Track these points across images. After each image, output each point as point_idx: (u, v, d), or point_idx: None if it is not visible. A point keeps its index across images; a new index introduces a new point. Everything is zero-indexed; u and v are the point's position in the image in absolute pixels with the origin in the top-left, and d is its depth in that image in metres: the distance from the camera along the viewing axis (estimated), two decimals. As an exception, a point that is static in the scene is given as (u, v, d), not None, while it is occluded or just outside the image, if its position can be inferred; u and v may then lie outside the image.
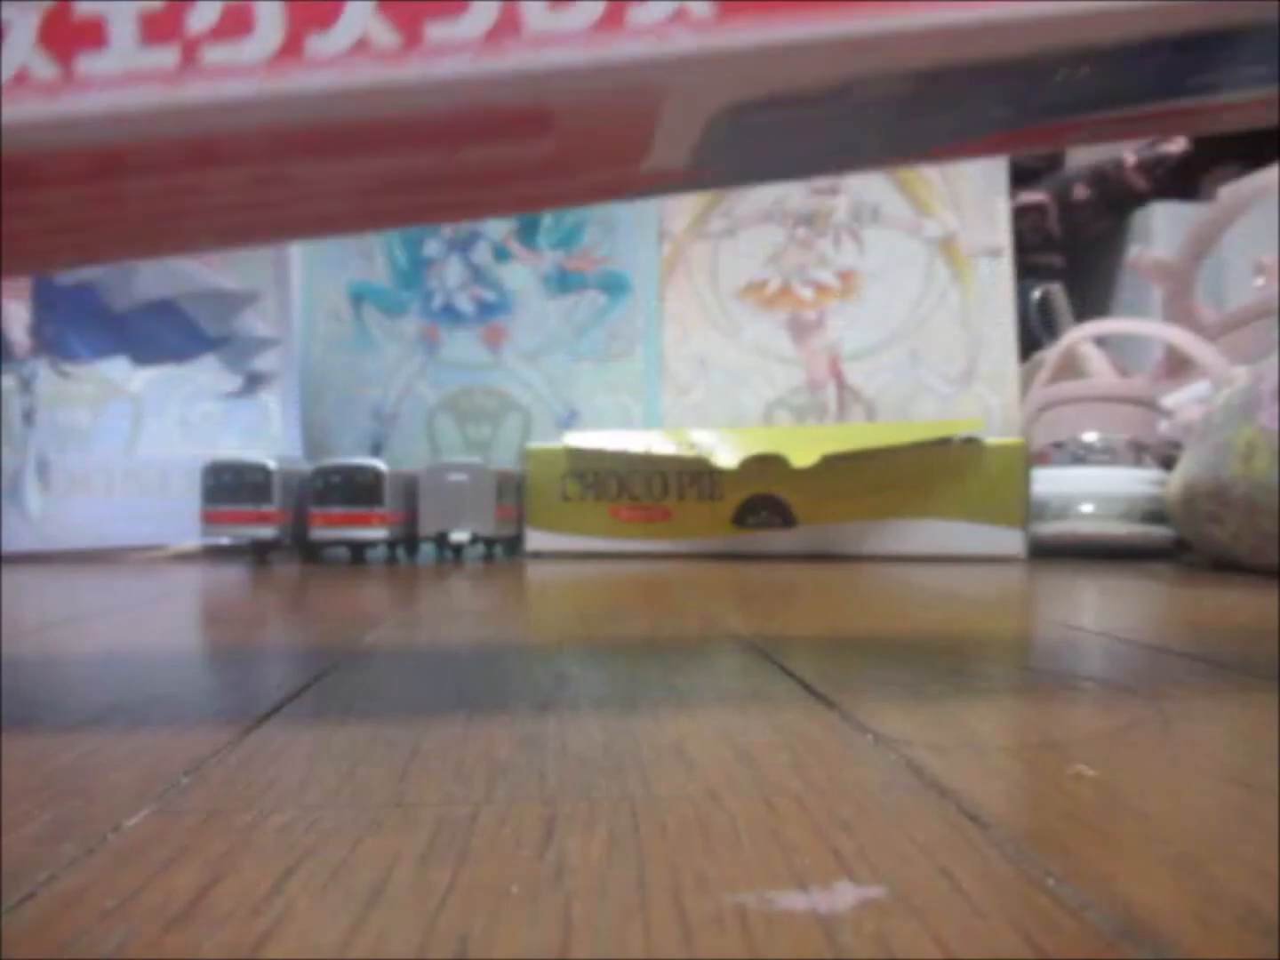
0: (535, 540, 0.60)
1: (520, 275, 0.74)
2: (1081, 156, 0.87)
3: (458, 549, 0.57)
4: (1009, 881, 0.09)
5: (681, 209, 0.74)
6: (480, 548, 0.66)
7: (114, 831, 0.11)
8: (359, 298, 0.73)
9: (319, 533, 0.53)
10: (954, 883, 0.09)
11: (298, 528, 0.55)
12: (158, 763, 0.14)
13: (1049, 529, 0.58)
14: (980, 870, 0.10)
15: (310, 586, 0.40)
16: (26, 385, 0.56)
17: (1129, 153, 0.81)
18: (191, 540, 0.60)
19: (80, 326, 0.59)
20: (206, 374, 0.62)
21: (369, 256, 0.73)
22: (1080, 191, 0.83)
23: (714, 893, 0.09)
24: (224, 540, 0.57)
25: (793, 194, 0.73)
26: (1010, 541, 0.56)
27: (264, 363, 0.63)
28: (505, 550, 0.60)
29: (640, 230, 0.74)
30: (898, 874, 0.10)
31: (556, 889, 0.09)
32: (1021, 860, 0.10)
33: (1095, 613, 0.31)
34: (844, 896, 0.09)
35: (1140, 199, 0.82)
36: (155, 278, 0.61)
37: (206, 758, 0.14)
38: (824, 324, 0.72)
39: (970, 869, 0.10)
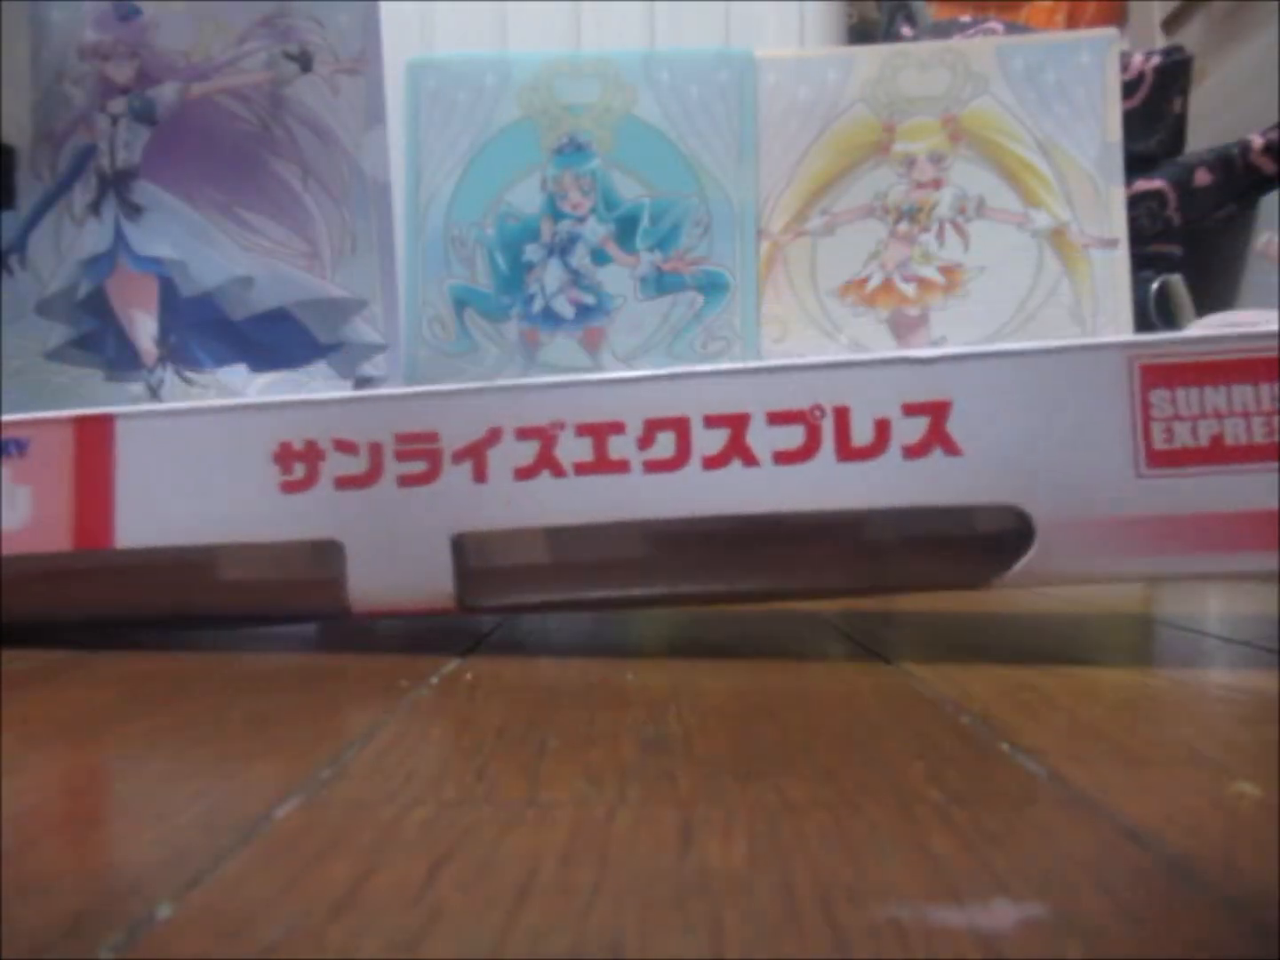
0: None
1: (618, 278, 0.74)
2: (1202, 139, 0.83)
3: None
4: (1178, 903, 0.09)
5: (780, 206, 0.74)
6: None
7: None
8: (462, 303, 0.75)
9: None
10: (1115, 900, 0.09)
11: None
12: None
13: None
14: (1143, 890, 0.09)
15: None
16: (154, 392, 0.59)
17: (1256, 134, 0.77)
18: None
19: (202, 335, 0.62)
20: (319, 379, 0.64)
21: (471, 263, 0.74)
22: (1202, 177, 0.79)
23: (862, 904, 0.09)
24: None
25: (894, 188, 0.71)
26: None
27: (373, 367, 0.65)
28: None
29: (738, 229, 0.73)
30: (1048, 889, 0.09)
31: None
32: (1187, 880, 0.09)
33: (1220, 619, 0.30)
34: (1003, 914, 0.09)
35: (1269, 183, 0.78)
36: (271, 287, 0.63)
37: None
38: (927, 321, 0.71)
39: (1130, 887, 0.09)
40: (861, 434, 0.21)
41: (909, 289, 0.71)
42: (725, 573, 0.22)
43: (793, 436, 0.21)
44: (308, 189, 0.56)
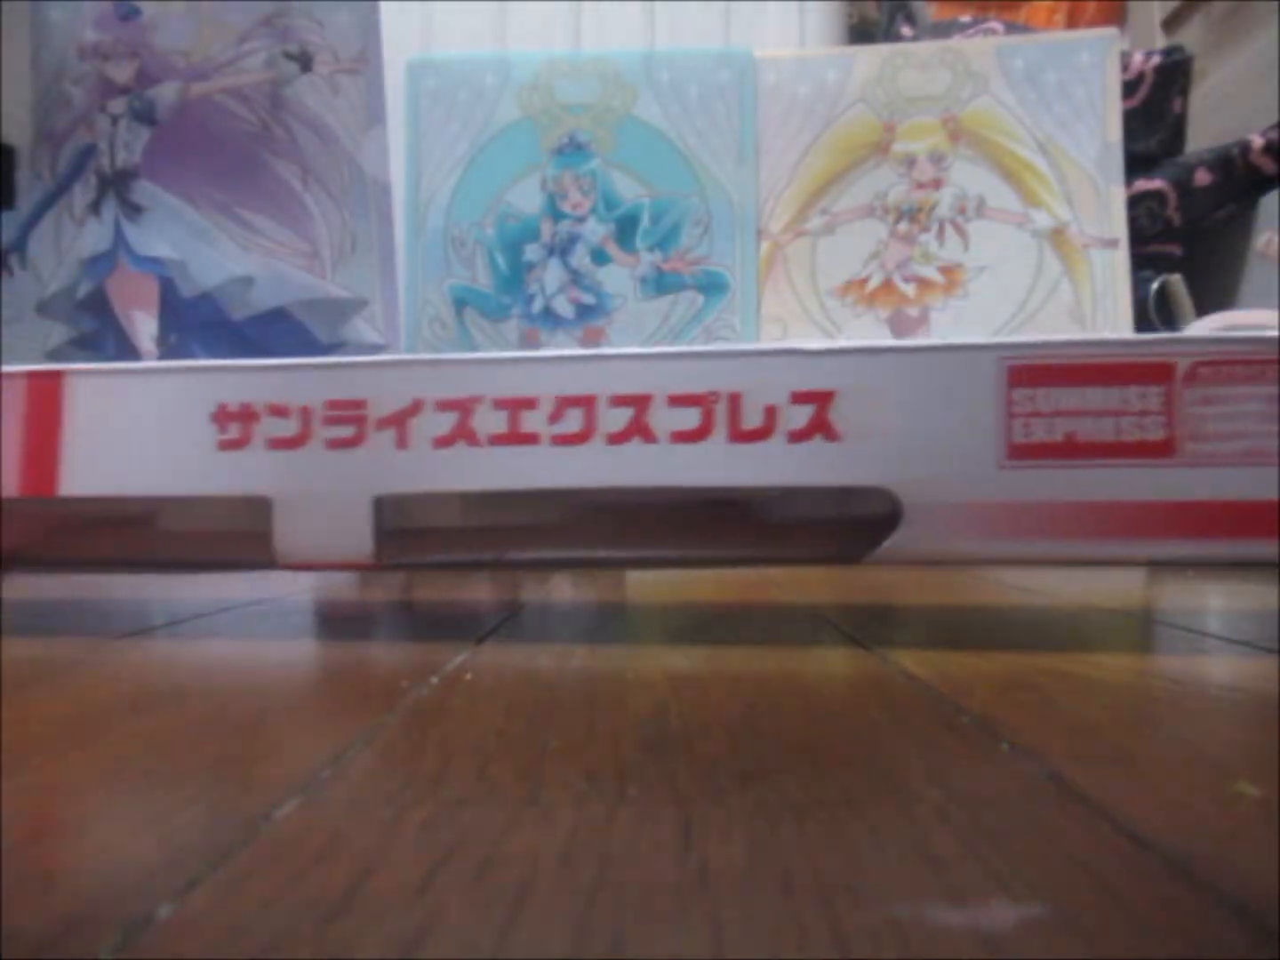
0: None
1: (618, 278, 0.74)
2: (1202, 139, 0.83)
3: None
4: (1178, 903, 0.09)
5: (780, 206, 0.74)
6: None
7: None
8: (462, 303, 0.75)
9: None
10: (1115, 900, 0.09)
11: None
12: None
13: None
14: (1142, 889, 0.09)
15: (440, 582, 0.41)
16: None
17: (1256, 134, 0.77)
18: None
19: (202, 335, 0.62)
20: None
21: (471, 263, 0.74)
22: (1202, 177, 0.79)
23: (862, 904, 0.09)
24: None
25: (894, 188, 0.71)
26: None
27: (373, 368, 0.65)
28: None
29: (738, 229, 0.73)
30: (1048, 889, 0.09)
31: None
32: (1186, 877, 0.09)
33: (1220, 619, 0.30)
34: (1003, 914, 0.09)
35: (1269, 183, 0.78)
36: (270, 287, 0.63)
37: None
38: (927, 321, 0.71)
39: (1130, 887, 0.09)
40: (752, 418, 0.22)
41: (909, 289, 0.71)
42: (623, 541, 0.24)
43: (690, 418, 0.23)
44: (308, 189, 0.56)
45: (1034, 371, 0.22)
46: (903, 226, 0.72)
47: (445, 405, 0.23)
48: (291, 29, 0.48)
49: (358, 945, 0.08)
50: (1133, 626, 0.29)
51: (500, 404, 0.23)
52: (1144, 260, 0.82)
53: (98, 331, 0.59)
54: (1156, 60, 0.76)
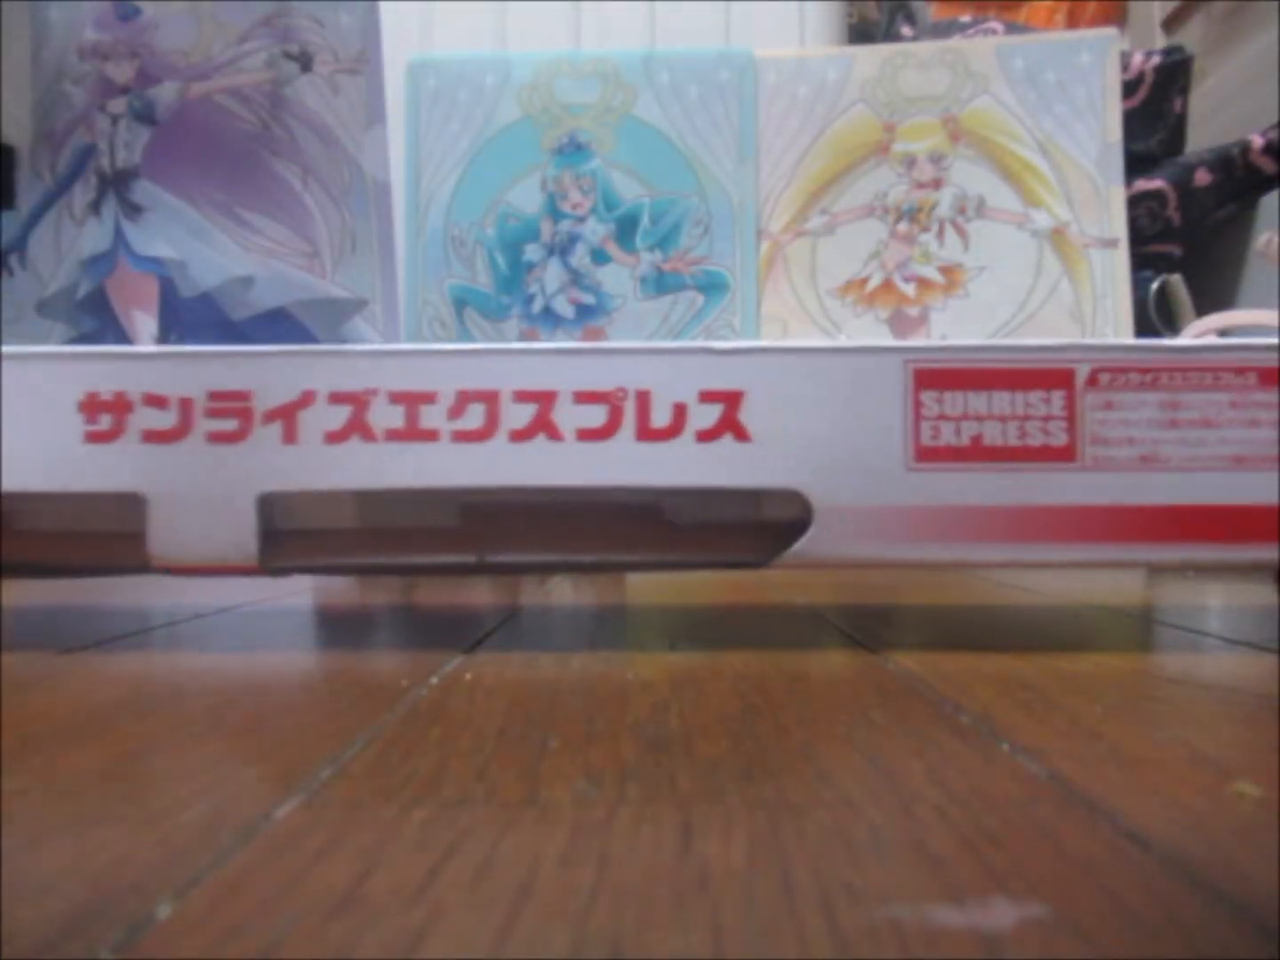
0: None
1: (618, 277, 0.74)
2: (1202, 139, 0.83)
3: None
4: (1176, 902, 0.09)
5: (780, 206, 0.74)
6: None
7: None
8: (462, 303, 0.74)
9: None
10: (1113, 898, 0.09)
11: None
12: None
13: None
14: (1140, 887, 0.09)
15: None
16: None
17: (1256, 134, 0.77)
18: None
19: (203, 335, 0.62)
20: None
21: (471, 263, 0.74)
22: (1202, 177, 0.79)
23: (862, 904, 0.09)
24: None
25: (894, 188, 0.71)
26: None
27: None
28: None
29: (738, 229, 0.73)
30: (1048, 889, 0.09)
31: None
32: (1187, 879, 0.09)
33: (1220, 620, 0.30)
34: (1003, 914, 0.09)
35: (1269, 183, 0.78)
36: (270, 287, 0.63)
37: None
38: (927, 321, 0.71)
39: (1130, 887, 0.09)
40: (660, 417, 0.22)
41: (909, 289, 0.71)
42: (528, 544, 0.23)
43: (596, 415, 0.22)
44: (308, 189, 0.56)
45: (940, 375, 0.22)
46: (903, 226, 0.72)
47: (338, 398, 0.22)
48: (291, 29, 0.48)
49: (358, 945, 0.08)
50: (1132, 626, 0.29)
51: (397, 398, 0.22)
52: (1144, 260, 0.82)
53: (98, 331, 0.59)
54: (1156, 60, 0.76)
